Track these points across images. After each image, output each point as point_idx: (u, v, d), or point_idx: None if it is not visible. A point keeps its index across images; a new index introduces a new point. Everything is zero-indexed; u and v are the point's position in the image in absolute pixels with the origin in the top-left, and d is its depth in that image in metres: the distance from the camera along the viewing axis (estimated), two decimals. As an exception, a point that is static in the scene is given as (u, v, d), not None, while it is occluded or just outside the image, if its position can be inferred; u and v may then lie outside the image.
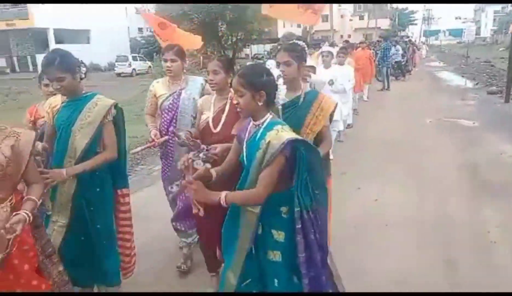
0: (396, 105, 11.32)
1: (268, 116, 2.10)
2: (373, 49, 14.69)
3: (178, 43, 3.48)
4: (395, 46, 16.19)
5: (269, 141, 1.97)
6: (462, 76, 18.69)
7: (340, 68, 6.64)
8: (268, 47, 39.70)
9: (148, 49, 35.01)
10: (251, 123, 2.17)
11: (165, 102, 3.25)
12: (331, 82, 5.46)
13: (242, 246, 2.17)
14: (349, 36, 57.45)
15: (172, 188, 3.44)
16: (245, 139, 2.16)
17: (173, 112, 3.22)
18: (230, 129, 2.67)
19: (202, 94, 3.22)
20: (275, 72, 3.88)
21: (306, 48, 2.75)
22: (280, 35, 33.70)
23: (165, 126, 3.25)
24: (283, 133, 2.00)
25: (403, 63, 17.22)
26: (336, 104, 2.72)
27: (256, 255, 2.17)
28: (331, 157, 5.67)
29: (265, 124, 2.07)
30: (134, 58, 31.11)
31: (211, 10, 31.53)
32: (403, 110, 10.46)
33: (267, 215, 2.12)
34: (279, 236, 2.12)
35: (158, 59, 26.38)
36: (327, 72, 5.52)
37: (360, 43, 12.43)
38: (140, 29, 45.85)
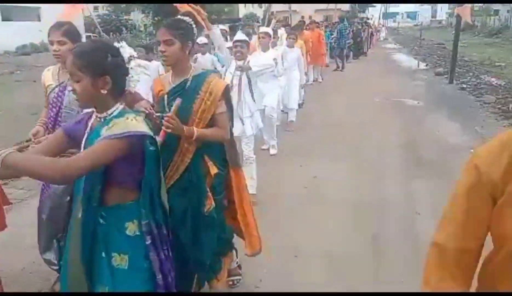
0: (346, 86, 11.55)
1: (118, 107, 1.71)
2: (329, 30, 14.79)
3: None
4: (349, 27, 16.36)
5: (112, 126, 1.61)
6: (415, 58, 19.26)
7: (287, 50, 6.53)
8: (227, 27, 39.31)
9: (104, 27, 33.78)
10: (93, 117, 1.76)
11: (51, 95, 2.67)
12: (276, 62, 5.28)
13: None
14: (310, 17, 57.59)
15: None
16: (85, 138, 1.72)
17: (57, 107, 2.60)
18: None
19: None
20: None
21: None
22: (241, 15, 33.42)
23: (51, 123, 2.66)
24: (133, 123, 1.63)
25: (349, 45, 16.54)
26: (227, 86, 2.46)
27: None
28: (272, 152, 5.74)
29: (113, 115, 1.69)
30: (88, 38, 29.95)
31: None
32: (352, 91, 10.69)
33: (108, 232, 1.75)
34: (122, 261, 1.73)
35: (115, 39, 25.57)
36: (266, 55, 5.11)
37: (310, 23, 12.16)
38: (95, 8, 44.12)
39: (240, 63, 4.26)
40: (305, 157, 5.59)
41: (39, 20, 33.10)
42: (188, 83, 2.32)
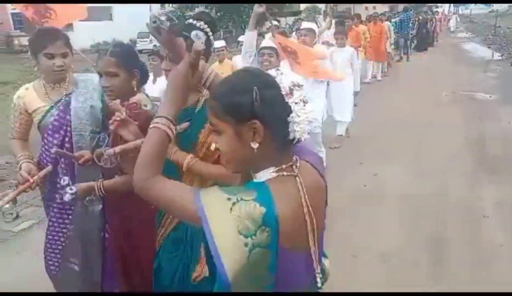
0: (411, 79, 11.04)
1: None
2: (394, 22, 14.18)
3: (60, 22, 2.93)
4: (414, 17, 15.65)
5: None
6: (489, 47, 17.99)
7: (338, 50, 5.85)
8: (290, 20, 39.08)
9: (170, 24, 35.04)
10: None
11: (47, 120, 2.17)
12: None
13: None
14: (374, 8, 55.58)
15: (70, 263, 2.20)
16: None
17: (62, 132, 2.14)
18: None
19: (103, 99, 2.18)
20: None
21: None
22: (302, 8, 32.91)
23: (48, 156, 2.17)
24: None
25: (413, 35, 15.84)
26: None
27: None
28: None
29: None
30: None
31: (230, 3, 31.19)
32: (418, 84, 10.21)
33: None
34: None
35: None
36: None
37: (372, 16, 11.38)
38: (162, 5, 45.89)
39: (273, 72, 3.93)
40: (365, 154, 5.48)
41: (111, 20, 35.24)
42: (198, 108, 1.77)
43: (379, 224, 3.78)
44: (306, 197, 1.08)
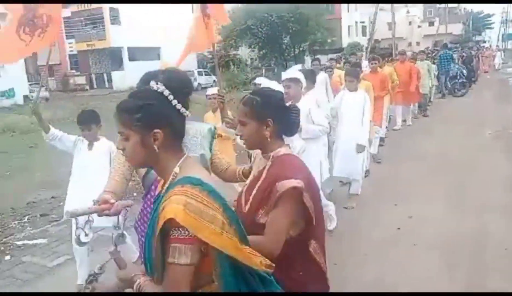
0: (453, 118, 10.71)
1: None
2: (432, 59, 13.98)
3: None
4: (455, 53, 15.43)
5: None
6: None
7: (349, 94, 5.09)
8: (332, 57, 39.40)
9: (214, 63, 36.30)
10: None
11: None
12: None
13: None
14: (418, 43, 55.34)
15: None
16: None
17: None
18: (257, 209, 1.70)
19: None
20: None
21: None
22: (344, 45, 33.25)
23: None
24: None
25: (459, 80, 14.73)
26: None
27: None
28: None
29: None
30: (200, 73, 32.59)
31: (273, 23, 32.05)
32: (460, 122, 9.91)
33: None
34: None
35: (222, 71, 27.20)
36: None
37: (399, 53, 10.19)
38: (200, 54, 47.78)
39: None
40: (400, 195, 5.33)
41: (159, 59, 37.05)
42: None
43: (415, 270, 3.63)
44: None
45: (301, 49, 36.27)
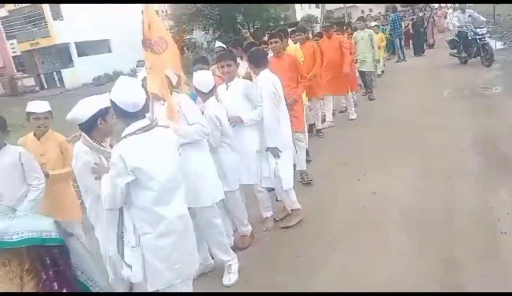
0: (411, 80, 10.58)
1: None
2: (382, 26, 13.73)
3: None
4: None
5: None
6: (490, 36, 17.44)
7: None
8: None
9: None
10: None
11: None
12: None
13: None
14: (371, 10, 55.56)
15: None
16: None
17: None
18: None
19: None
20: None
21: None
22: (298, 18, 32.97)
23: None
24: None
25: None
26: None
27: None
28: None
29: None
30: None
31: (225, 3, 31.23)
32: (418, 85, 9.79)
33: None
34: None
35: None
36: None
37: (323, 27, 7.78)
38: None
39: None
40: (362, 169, 5.06)
41: (110, 51, 35.52)
42: None
43: (380, 251, 3.35)
44: None
45: (256, 27, 35.65)
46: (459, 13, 11.56)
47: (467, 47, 11.13)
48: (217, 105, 3.43)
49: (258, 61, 3.87)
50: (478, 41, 10.62)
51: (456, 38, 11.64)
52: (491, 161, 4.76)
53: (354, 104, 7.91)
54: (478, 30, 10.67)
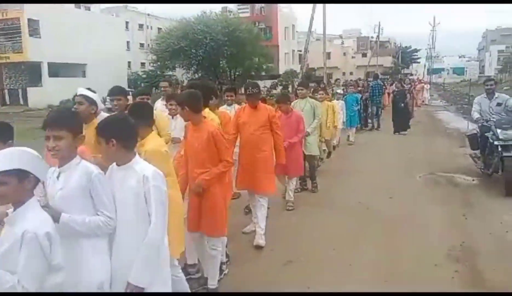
0: (380, 155, 10.01)
1: None
2: (354, 92, 12.61)
3: None
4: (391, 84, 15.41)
5: None
6: (464, 117, 17.42)
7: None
8: (268, 83, 39.05)
9: (149, 83, 34.34)
10: None
11: None
12: None
13: None
14: (351, 73, 57.21)
15: None
16: None
17: None
18: None
19: None
20: None
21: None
22: (281, 72, 33.33)
23: None
24: None
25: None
26: None
27: None
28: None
29: None
30: (130, 93, 30.46)
31: (208, 45, 31.01)
32: (388, 162, 9.16)
33: None
34: None
35: (155, 93, 25.33)
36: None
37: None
38: (142, 64, 45.66)
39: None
40: (311, 271, 4.12)
41: (84, 76, 34.43)
42: None
43: None
44: None
45: (237, 73, 35.47)
46: (482, 98, 7.41)
47: (487, 153, 7.06)
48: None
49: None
50: (499, 149, 6.39)
51: (478, 132, 7.42)
52: (469, 279, 3.90)
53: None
54: (499, 131, 6.42)
